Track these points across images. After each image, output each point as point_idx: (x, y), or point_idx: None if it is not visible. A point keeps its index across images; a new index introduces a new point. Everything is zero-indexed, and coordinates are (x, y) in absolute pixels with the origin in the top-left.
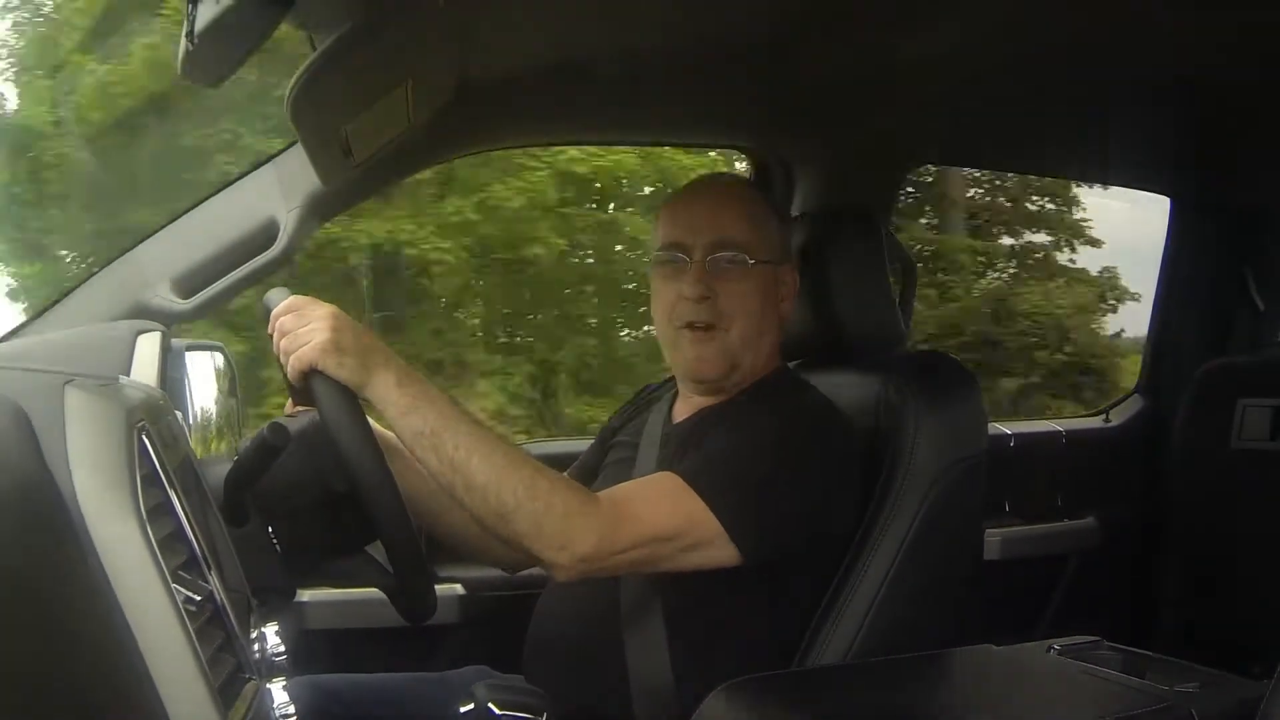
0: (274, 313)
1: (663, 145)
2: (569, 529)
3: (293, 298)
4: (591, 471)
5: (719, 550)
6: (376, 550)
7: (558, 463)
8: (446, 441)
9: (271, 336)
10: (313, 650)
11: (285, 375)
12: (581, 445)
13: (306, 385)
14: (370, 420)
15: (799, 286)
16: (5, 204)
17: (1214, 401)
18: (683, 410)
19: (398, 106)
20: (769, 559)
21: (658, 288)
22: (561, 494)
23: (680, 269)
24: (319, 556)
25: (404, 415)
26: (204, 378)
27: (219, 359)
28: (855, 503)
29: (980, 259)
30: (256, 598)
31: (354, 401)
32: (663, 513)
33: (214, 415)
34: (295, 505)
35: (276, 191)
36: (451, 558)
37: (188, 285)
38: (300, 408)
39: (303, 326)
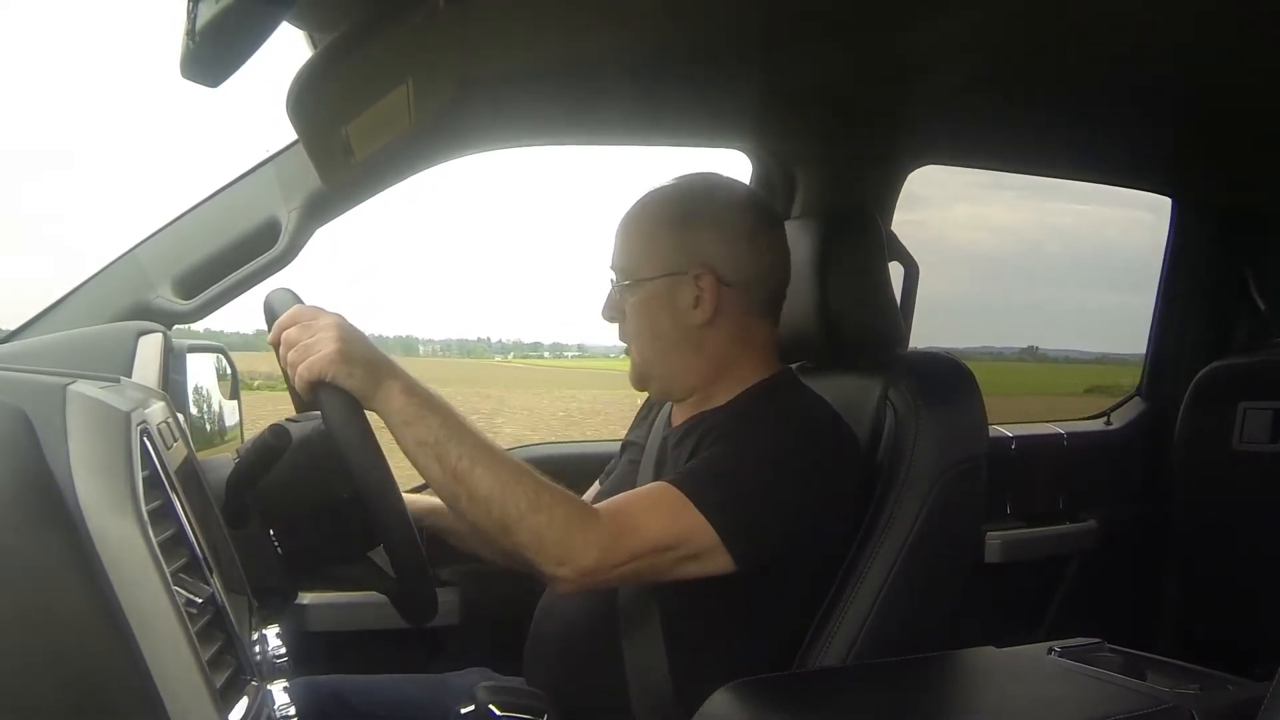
0: (278, 323)
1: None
2: (570, 543)
3: (295, 308)
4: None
5: (715, 559)
6: (378, 554)
7: (564, 464)
8: (450, 452)
9: (274, 343)
10: (314, 652)
11: (289, 383)
12: (584, 448)
13: (312, 394)
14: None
15: (787, 289)
16: None
17: (1214, 404)
18: (678, 415)
19: (398, 106)
20: (764, 564)
21: None
22: (563, 508)
23: None
24: (321, 561)
25: (408, 425)
26: (205, 379)
27: (220, 360)
28: (852, 506)
29: None
30: (257, 599)
31: (359, 409)
32: (660, 524)
33: (215, 417)
34: (299, 510)
35: (277, 191)
36: (450, 554)
37: (189, 286)
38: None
39: (309, 337)
